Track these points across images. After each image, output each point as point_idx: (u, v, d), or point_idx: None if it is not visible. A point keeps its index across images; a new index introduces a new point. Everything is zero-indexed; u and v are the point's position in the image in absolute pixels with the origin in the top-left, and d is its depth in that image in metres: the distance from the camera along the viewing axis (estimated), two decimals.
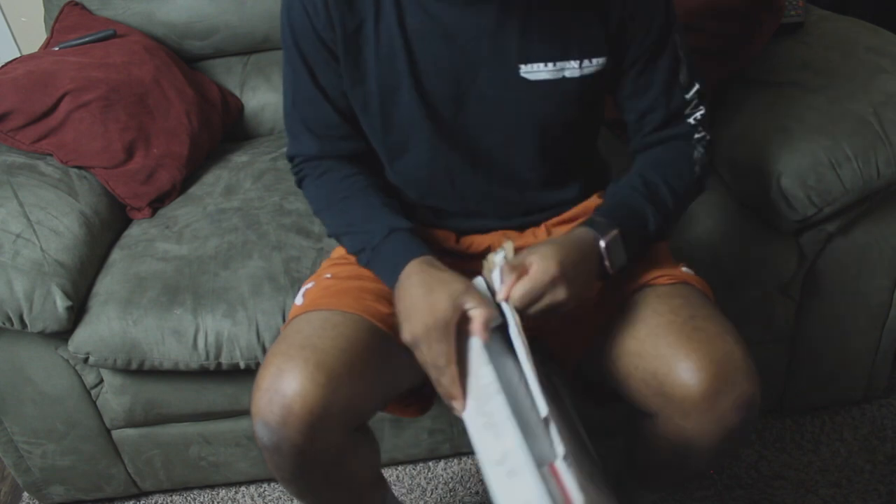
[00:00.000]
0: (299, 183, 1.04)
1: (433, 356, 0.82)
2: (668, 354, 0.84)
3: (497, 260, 0.86)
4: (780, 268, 1.25)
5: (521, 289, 0.81)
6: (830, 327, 1.36)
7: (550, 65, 0.90)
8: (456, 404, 0.83)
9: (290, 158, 1.04)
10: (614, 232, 0.87)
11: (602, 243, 0.87)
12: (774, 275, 1.25)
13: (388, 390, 0.95)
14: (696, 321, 0.86)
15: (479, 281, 0.87)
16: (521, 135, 0.95)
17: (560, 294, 0.82)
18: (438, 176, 0.99)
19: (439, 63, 0.90)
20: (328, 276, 1.00)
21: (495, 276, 0.85)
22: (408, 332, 0.84)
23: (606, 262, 0.87)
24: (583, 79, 0.91)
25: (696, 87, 0.96)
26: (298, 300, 0.99)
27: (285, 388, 0.82)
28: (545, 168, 1.00)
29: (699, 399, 0.81)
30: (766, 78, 1.34)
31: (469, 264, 1.04)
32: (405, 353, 0.89)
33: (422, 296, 0.83)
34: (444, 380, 0.83)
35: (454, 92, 0.92)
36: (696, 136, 0.97)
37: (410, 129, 0.95)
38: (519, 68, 0.90)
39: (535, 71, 0.90)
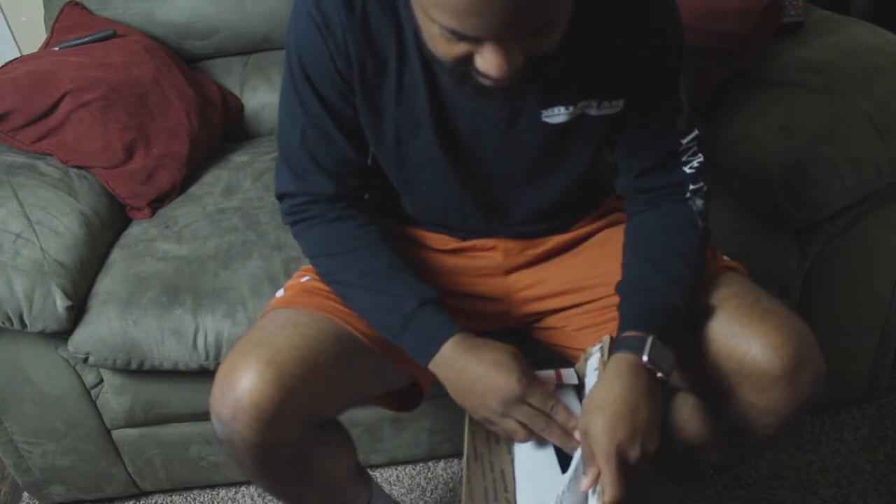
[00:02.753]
0: (293, 223, 0.97)
1: (529, 419, 0.84)
2: (744, 334, 0.86)
3: (591, 362, 0.89)
4: (781, 268, 1.25)
5: (609, 493, 0.77)
6: (830, 327, 1.36)
7: (571, 107, 0.88)
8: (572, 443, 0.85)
9: (285, 196, 0.96)
10: (650, 339, 0.82)
11: (645, 357, 0.81)
12: (774, 275, 1.25)
13: (352, 393, 0.95)
14: (762, 303, 0.89)
15: (570, 373, 0.92)
16: (539, 173, 0.95)
17: (635, 453, 0.78)
18: (450, 208, 0.99)
19: (462, 110, 0.88)
20: (308, 277, 0.99)
21: (589, 380, 0.88)
22: (485, 411, 0.85)
23: (659, 374, 0.82)
24: (601, 118, 0.90)
25: (695, 133, 0.91)
26: (279, 292, 0.99)
27: (236, 383, 0.83)
28: (561, 202, 0.99)
29: (781, 374, 0.84)
30: (766, 78, 1.34)
31: (469, 264, 1.05)
32: (376, 360, 0.89)
33: (485, 375, 0.84)
34: (554, 429, 0.85)
35: (474, 136, 0.90)
36: (692, 187, 0.93)
37: (426, 168, 0.93)
38: (541, 114, 0.88)
39: (556, 115, 0.88)
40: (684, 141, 0.91)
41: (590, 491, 0.80)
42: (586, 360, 0.91)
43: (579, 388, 0.92)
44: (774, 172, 1.20)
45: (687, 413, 0.99)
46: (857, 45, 1.32)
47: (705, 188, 0.94)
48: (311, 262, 0.96)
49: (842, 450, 1.43)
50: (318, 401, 0.88)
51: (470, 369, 0.85)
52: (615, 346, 0.85)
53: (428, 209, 1.01)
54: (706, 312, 0.90)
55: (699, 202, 0.93)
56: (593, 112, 0.89)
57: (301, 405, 0.85)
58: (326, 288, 0.95)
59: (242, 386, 0.83)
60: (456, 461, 1.48)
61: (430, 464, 1.48)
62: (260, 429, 0.83)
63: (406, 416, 1.35)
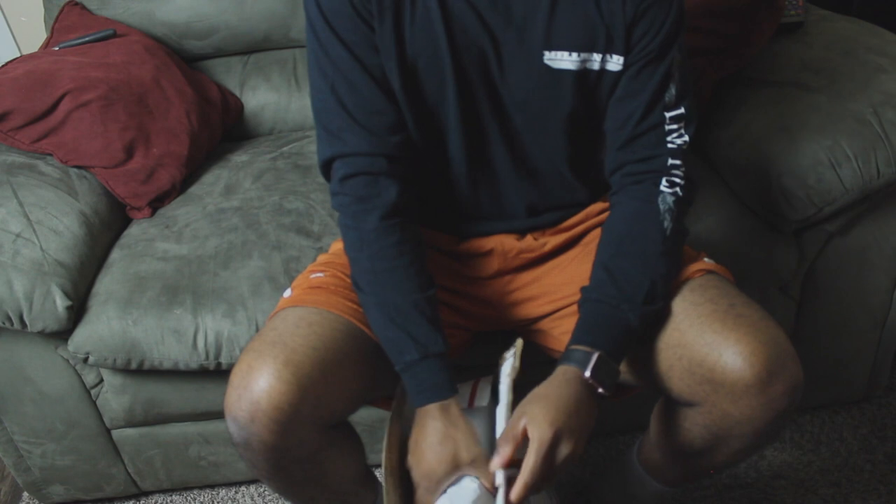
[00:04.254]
0: (339, 205, 0.92)
1: (422, 492, 0.88)
2: (716, 342, 0.85)
3: (506, 367, 0.91)
4: (780, 268, 1.25)
5: (529, 475, 0.80)
6: (830, 327, 1.36)
7: (574, 54, 0.89)
8: None
9: (329, 162, 0.92)
10: (595, 356, 0.84)
11: (587, 374, 0.84)
12: (774, 275, 1.25)
13: (365, 391, 0.95)
14: (736, 308, 0.87)
15: (484, 387, 0.93)
16: (545, 124, 0.95)
17: (565, 450, 0.81)
18: (459, 162, 0.97)
19: (470, 44, 0.89)
20: (319, 274, 0.99)
21: (502, 389, 0.89)
22: (413, 465, 0.89)
23: (600, 390, 0.85)
24: (603, 73, 0.91)
25: (682, 111, 0.91)
26: (287, 293, 0.99)
27: (253, 385, 0.82)
28: (567, 161, 0.99)
29: (752, 383, 0.83)
30: (766, 78, 1.34)
31: (465, 266, 1.05)
32: (388, 359, 0.89)
33: (434, 445, 0.86)
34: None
35: (482, 74, 0.91)
36: (672, 162, 0.92)
37: (443, 108, 0.93)
38: (543, 55, 0.89)
39: (559, 59, 0.89)
40: (668, 115, 0.91)
41: (498, 478, 0.82)
42: (500, 365, 0.92)
43: (493, 402, 0.93)
44: (774, 172, 1.20)
45: (668, 419, 0.99)
46: (857, 45, 1.32)
47: (687, 172, 0.93)
48: (349, 254, 0.93)
49: (842, 450, 1.43)
50: (333, 401, 0.88)
51: (431, 436, 0.86)
52: (563, 356, 0.87)
53: (440, 180, 0.99)
54: (680, 318, 0.89)
55: (670, 199, 0.91)
56: (596, 66, 0.90)
57: (317, 405, 0.85)
58: (337, 283, 0.96)
59: (260, 387, 0.82)
60: None
61: None
62: (278, 430, 0.83)
63: None
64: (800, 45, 1.37)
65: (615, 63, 0.90)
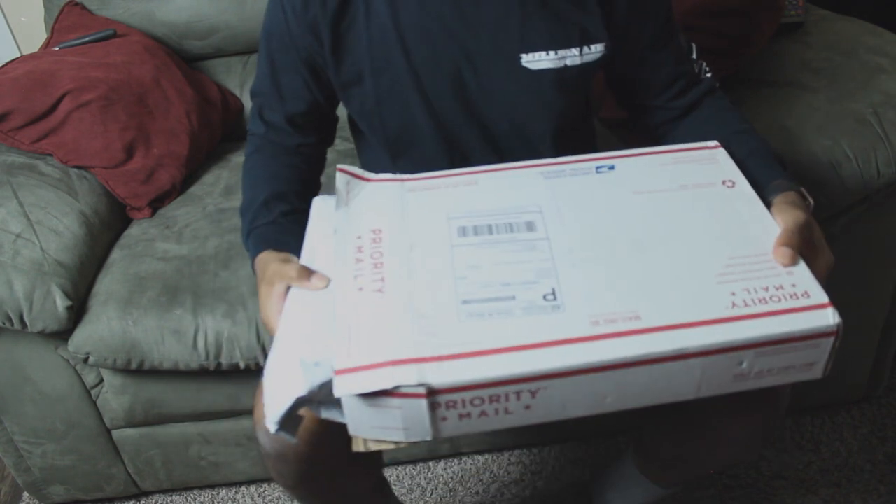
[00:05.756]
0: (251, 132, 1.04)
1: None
2: None
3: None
4: None
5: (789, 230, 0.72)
6: None
7: (552, 53, 0.89)
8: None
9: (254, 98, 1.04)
10: (790, 181, 0.82)
11: (801, 189, 0.81)
12: None
13: None
14: None
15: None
16: (527, 126, 0.95)
17: (821, 244, 0.75)
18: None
19: (438, 58, 0.89)
20: None
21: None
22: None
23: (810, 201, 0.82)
24: (583, 66, 0.91)
25: (693, 45, 0.97)
26: None
27: None
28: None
29: None
30: (766, 78, 1.34)
31: None
32: None
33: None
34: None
35: (456, 88, 0.91)
36: (717, 91, 0.98)
37: (413, 127, 0.94)
38: (520, 58, 0.89)
39: (537, 60, 0.89)
40: (694, 56, 0.96)
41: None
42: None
43: None
44: None
45: (659, 423, 0.99)
46: (857, 45, 1.32)
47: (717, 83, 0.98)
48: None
49: (842, 450, 1.43)
50: None
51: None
52: (770, 192, 0.79)
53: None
54: None
55: (727, 102, 0.96)
56: (576, 61, 0.90)
57: None
58: None
59: None
60: (456, 461, 1.48)
61: (430, 464, 1.48)
62: (312, 440, 0.82)
63: None
64: (800, 45, 1.37)
65: (595, 53, 0.90)
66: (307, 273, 0.76)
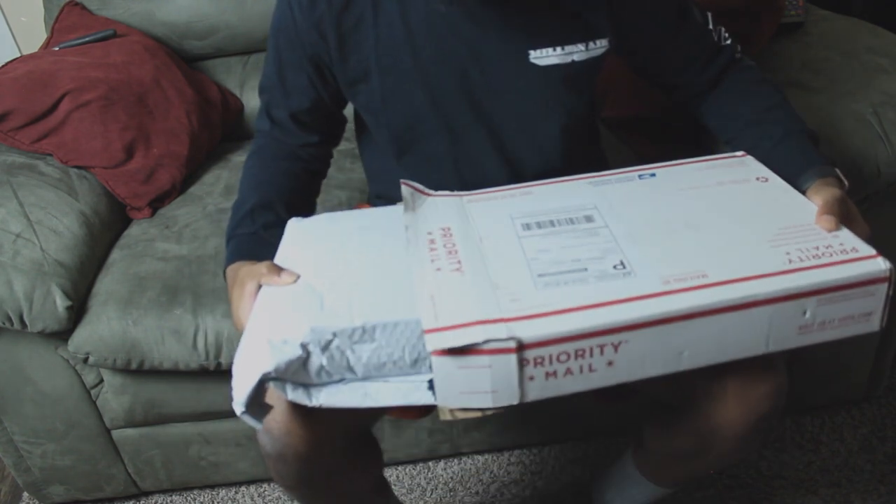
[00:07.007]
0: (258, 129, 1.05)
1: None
2: None
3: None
4: None
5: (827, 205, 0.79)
6: None
7: (559, 48, 0.90)
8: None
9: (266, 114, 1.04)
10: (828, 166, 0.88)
11: (837, 171, 0.88)
12: None
13: None
14: None
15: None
16: (535, 124, 0.95)
17: (856, 218, 0.82)
18: (447, 170, 0.98)
19: (445, 57, 0.90)
20: None
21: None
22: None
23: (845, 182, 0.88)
24: (589, 62, 0.91)
25: (708, 14, 0.97)
26: None
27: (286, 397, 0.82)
28: (562, 159, 0.98)
29: (735, 387, 0.83)
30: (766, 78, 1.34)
31: None
32: None
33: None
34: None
35: (463, 86, 0.91)
36: (738, 55, 0.99)
37: (419, 125, 0.94)
38: (528, 54, 0.90)
39: (545, 56, 0.90)
40: (710, 27, 0.97)
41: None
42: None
43: None
44: (773, 172, 1.20)
45: (657, 424, 0.99)
46: (857, 45, 1.32)
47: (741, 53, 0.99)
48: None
49: (842, 450, 1.43)
50: (362, 409, 0.87)
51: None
52: (804, 180, 0.86)
53: (424, 175, 1.00)
54: None
55: (757, 72, 0.98)
56: (582, 56, 0.91)
57: (349, 414, 0.84)
58: None
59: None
60: (456, 461, 1.48)
61: (430, 464, 1.48)
62: (313, 441, 0.82)
63: None
64: (800, 45, 1.37)
65: (599, 48, 0.91)
66: (277, 269, 0.79)
